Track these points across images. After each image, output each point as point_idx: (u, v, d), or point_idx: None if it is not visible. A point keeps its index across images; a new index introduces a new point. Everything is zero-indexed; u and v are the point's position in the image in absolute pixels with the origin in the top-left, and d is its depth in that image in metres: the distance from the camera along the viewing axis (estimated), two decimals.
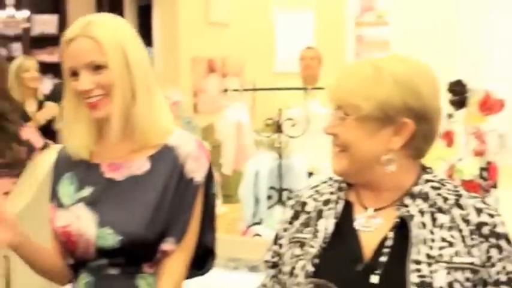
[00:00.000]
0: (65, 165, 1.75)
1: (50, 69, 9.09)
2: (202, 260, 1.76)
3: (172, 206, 1.63)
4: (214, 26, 7.19)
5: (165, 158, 1.66)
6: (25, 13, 9.44)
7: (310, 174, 3.11)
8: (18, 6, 9.38)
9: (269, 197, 2.92)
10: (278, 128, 2.92)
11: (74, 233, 1.65)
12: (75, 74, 1.63)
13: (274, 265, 1.77)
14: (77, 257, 1.69)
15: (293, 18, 7.67)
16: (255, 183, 2.84)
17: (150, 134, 1.66)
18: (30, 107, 4.85)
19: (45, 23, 10.07)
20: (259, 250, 2.76)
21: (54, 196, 1.75)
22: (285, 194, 2.94)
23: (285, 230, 1.69)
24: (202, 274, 1.77)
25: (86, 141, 1.71)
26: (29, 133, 2.37)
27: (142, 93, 1.65)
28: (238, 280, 2.56)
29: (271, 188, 2.93)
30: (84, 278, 1.68)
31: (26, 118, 4.67)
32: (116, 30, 1.64)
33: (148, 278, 1.65)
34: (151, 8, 7.64)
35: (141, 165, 1.67)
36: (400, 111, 1.48)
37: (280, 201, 2.94)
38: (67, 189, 1.72)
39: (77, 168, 1.73)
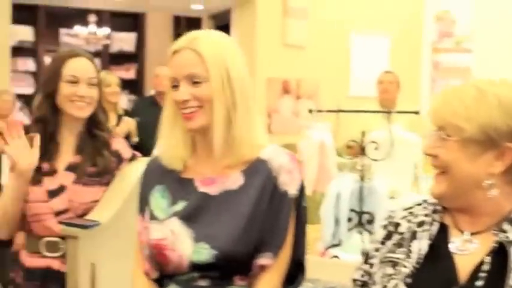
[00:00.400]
0: (155, 176, 1.77)
1: (126, 85, 9.32)
2: (293, 275, 1.75)
3: (267, 220, 1.63)
4: (291, 48, 7.24)
5: (258, 172, 1.66)
6: (105, 30, 9.73)
7: (391, 198, 3.08)
8: (99, 23, 9.68)
9: (349, 220, 2.90)
10: (361, 151, 2.90)
11: (169, 247, 1.66)
12: (175, 84, 1.67)
13: (364, 284, 1.75)
14: (167, 270, 1.70)
15: (369, 43, 7.65)
16: (336, 204, 2.83)
17: (247, 149, 1.67)
18: (111, 121, 4.97)
19: (124, 41, 10.36)
20: (338, 272, 2.76)
21: (144, 207, 1.76)
22: (365, 217, 2.91)
23: (377, 249, 1.68)
24: None
25: (181, 153, 1.74)
26: (119, 144, 2.42)
27: (241, 109, 1.66)
28: None
29: (352, 210, 2.90)
30: None
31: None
32: (220, 46, 1.67)
33: None
34: (229, 29, 7.76)
35: (235, 180, 1.68)
36: (503, 135, 1.46)
37: (360, 224, 2.91)
38: (160, 202, 1.73)
39: (168, 181, 1.74)
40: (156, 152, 1.81)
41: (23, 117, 6.85)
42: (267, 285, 1.65)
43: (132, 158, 2.42)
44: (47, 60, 9.99)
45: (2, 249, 4.26)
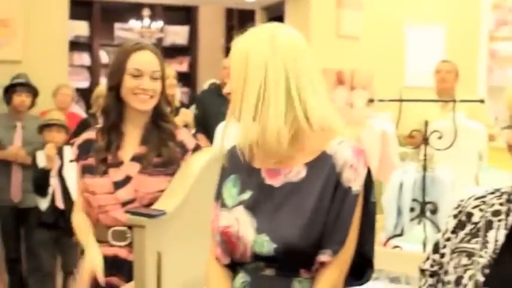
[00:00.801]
0: (231, 167, 1.78)
1: (179, 78, 9.39)
2: (361, 270, 1.73)
3: (329, 216, 1.61)
4: (345, 38, 7.18)
5: (322, 166, 1.64)
6: (159, 24, 9.83)
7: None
8: (153, 17, 9.78)
9: (411, 210, 2.87)
10: (424, 140, 2.86)
11: (234, 235, 1.67)
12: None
13: (434, 274, 1.73)
14: (235, 258, 1.71)
15: (425, 33, 7.53)
16: (398, 194, 2.80)
17: (314, 139, 1.66)
18: None
19: (177, 34, 10.45)
20: (401, 262, 2.73)
21: (219, 196, 1.78)
22: (428, 207, 2.86)
23: (448, 239, 1.66)
24: (360, 284, 1.73)
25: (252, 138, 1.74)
26: (183, 134, 2.45)
27: (310, 100, 1.66)
28: None
29: (414, 200, 2.86)
30: (242, 278, 1.70)
31: None
32: (296, 38, 1.74)
33: (304, 282, 1.64)
34: (283, 20, 7.74)
35: (298, 172, 1.66)
36: None
37: (422, 214, 2.87)
38: (231, 190, 1.75)
39: (240, 171, 1.76)
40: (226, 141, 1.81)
41: (79, 111, 6.96)
42: (326, 282, 1.62)
43: (196, 148, 2.44)
44: (102, 54, 10.15)
45: (65, 238, 4.38)
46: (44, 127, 4.48)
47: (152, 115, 2.39)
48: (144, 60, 2.34)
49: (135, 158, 2.37)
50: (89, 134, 2.47)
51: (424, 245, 2.86)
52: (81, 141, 2.47)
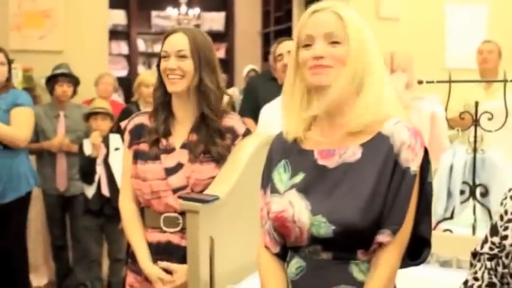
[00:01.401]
0: (279, 152, 1.78)
1: None
2: (417, 251, 1.72)
3: (388, 197, 1.60)
4: (385, 20, 7.10)
5: (379, 147, 1.63)
6: (196, 11, 9.86)
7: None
8: (190, 4, 9.81)
9: (461, 192, 2.83)
10: (474, 122, 2.82)
11: (289, 219, 1.67)
12: (308, 43, 1.67)
13: (493, 257, 1.71)
14: (290, 242, 1.71)
15: (466, 13, 7.40)
16: (449, 177, 2.76)
17: (372, 119, 1.65)
18: None
19: (214, 20, 10.48)
20: (451, 245, 2.70)
21: (267, 184, 1.77)
22: (478, 190, 2.83)
23: (509, 220, 1.64)
24: (417, 264, 1.71)
25: (302, 120, 1.74)
26: (232, 120, 2.44)
27: (371, 78, 1.65)
28: (430, 274, 2.51)
29: (464, 182, 2.83)
30: (297, 263, 1.69)
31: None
32: (357, 16, 1.69)
33: (361, 264, 1.63)
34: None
35: (353, 152, 1.65)
36: None
37: (473, 196, 2.83)
38: (282, 176, 1.74)
39: (290, 155, 1.75)
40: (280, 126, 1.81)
41: (118, 99, 7.03)
42: (385, 262, 1.61)
43: (246, 133, 2.44)
44: (140, 42, 10.23)
45: (111, 226, 4.43)
46: (89, 115, 4.54)
47: (199, 103, 2.38)
48: (171, 42, 2.34)
49: (185, 146, 2.37)
50: (140, 119, 2.46)
51: (474, 228, 2.83)
52: (132, 126, 2.46)
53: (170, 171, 2.35)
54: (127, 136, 2.46)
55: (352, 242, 1.62)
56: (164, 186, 2.34)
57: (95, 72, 5.85)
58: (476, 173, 2.80)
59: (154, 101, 2.45)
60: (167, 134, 2.39)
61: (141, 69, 10.10)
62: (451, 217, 2.83)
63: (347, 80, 1.64)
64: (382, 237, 1.60)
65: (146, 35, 10.36)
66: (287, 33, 9.16)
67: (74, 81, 4.90)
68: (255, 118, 5.19)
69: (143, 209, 2.46)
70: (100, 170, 4.41)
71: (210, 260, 2.28)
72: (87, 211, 4.48)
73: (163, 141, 2.38)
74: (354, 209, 1.59)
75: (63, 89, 4.81)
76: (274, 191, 1.73)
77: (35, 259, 4.98)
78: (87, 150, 4.46)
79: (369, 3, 7.04)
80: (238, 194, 2.33)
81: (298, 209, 1.66)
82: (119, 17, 9.97)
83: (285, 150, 1.77)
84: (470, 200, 2.84)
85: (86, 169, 4.43)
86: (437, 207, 2.78)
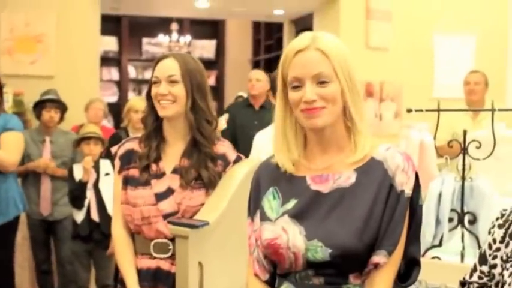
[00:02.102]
0: (267, 179, 1.78)
1: None
2: (407, 272, 1.73)
3: (383, 219, 1.62)
4: (374, 50, 7.18)
5: (373, 171, 1.66)
6: (187, 38, 9.92)
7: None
8: (181, 31, 9.87)
9: (450, 220, 2.85)
10: (462, 150, 2.84)
11: (283, 245, 1.67)
12: (297, 85, 1.66)
13: (482, 286, 1.72)
14: (284, 268, 1.71)
15: (454, 43, 7.50)
16: (437, 204, 2.78)
17: (365, 145, 1.67)
18: None
19: (204, 48, 10.54)
20: (439, 273, 2.71)
21: (255, 210, 1.77)
22: (466, 217, 2.84)
23: (498, 249, 1.65)
24: (409, 285, 1.73)
25: (293, 153, 1.75)
26: (223, 147, 2.45)
27: (357, 106, 1.67)
28: None
29: (452, 210, 2.84)
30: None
31: None
32: (339, 44, 1.69)
33: None
34: None
35: (348, 177, 1.67)
36: None
37: (461, 223, 2.85)
38: (272, 203, 1.74)
39: (279, 182, 1.75)
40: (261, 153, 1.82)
41: (108, 124, 7.04)
42: (381, 283, 1.63)
43: (237, 160, 2.45)
44: (130, 69, 10.27)
45: (99, 251, 4.41)
46: (81, 140, 4.54)
47: (191, 128, 2.39)
48: (162, 67, 2.36)
49: (176, 171, 2.38)
50: (130, 145, 2.46)
51: (462, 255, 2.84)
52: (122, 151, 2.46)
53: (161, 197, 2.34)
54: (117, 162, 2.46)
55: (347, 265, 1.63)
56: (155, 212, 2.33)
57: (85, 97, 5.86)
58: (464, 201, 2.82)
59: (145, 127, 2.46)
60: (158, 159, 2.40)
61: (131, 95, 10.12)
62: (440, 244, 2.85)
63: (342, 116, 1.66)
64: (378, 258, 1.62)
65: (137, 62, 10.41)
66: (277, 61, 9.23)
67: (62, 107, 4.91)
68: (234, 145, 5.20)
69: (134, 235, 2.45)
70: (90, 194, 4.40)
71: (199, 285, 2.27)
72: (76, 236, 4.46)
73: (154, 166, 2.38)
74: (350, 232, 1.61)
75: (50, 114, 4.82)
76: (265, 218, 1.73)
77: (21, 284, 4.93)
78: (78, 175, 4.45)
79: (358, 33, 7.12)
80: (228, 220, 2.33)
81: (292, 235, 1.66)
82: (110, 43, 10.02)
83: (273, 178, 1.77)
84: (459, 227, 2.85)
85: (76, 194, 4.41)
86: (426, 235, 2.80)
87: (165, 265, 2.34)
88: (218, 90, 10.54)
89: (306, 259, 1.64)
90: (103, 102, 5.85)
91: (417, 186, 1.69)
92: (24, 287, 4.98)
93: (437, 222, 2.81)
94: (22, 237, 4.92)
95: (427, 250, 2.85)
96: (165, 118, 2.39)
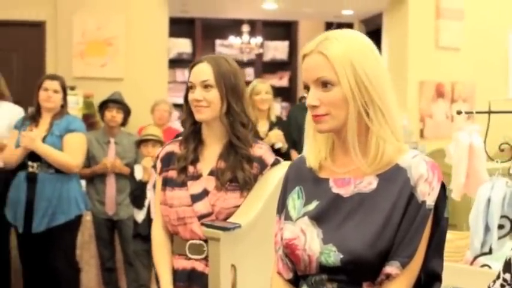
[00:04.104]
0: (295, 179, 1.77)
1: (279, 93, 9.47)
2: (426, 286, 1.67)
3: (400, 229, 1.56)
4: (445, 50, 7.01)
5: (395, 179, 1.60)
6: (259, 40, 9.95)
7: None
8: (252, 33, 9.92)
9: (501, 227, 2.73)
10: None
11: (300, 247, 1.65)
12: (307, 88, 1.65)
13: None
14: (300, 270, 1.70)
15: None
16: (486, 210, 2.68)
17: (386, 151, 1.62)
18: (262, 127, 5.06)
19: (277, 49, 10.55)
20: (487, 281, 2.61)
21: (282, 209, 1.77)
22: None
23: None
24: None
25: (321, 152, 1.73)
26: (261, 150, 2.45)
27: (378, 109, 1.62)
28: None
29: (503, 216, 2.73)
30: None
31: (257, 137, 4.90)
32: (348, 45, 1.61)
33: None
34: (381, 33, 7.65)
35: (369, 182, 1.63)
36: None
37: None
38: (296, 202, 1.73)
39: (305, 182, 1.74)
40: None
41: (178, 126, 7.15)
42: None
43: (275, 163, 2.44)
44: None
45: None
46: (141, 142, 4.64)
47: (227, 130, 2.41)
48: (195, 73, 2.38)
49: (213, 173, 2.40)
50: (171, 147, 2.51)
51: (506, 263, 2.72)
52: (163, 154, 2.51)
53: (196, 198, 2.37)
54: (158, 164, 2.51)
55: (359, 272, 1.59)
56: (190, 213, 2.36)
57: (154, 99, 5.96)
58: None
59: (184, 130, 2.50)
60: (195, 160, 2.42)
61: None
62: (490, 252, 2.74)
63: (355, 119, 1.61)
64: (391, 269, 1.57)
65: None
66: None
67: (124, 108, 5.03)
68: (295, 147, 5.18)
69: (173, 236, 2.48)
70: (150, 195, 4.49)
71: (232, 287, 2.27)
72: (137, 235, 4.56)
73: (191, 168, 2.41)
74: (363, 239, 1.57)
75: (112, 114, 4.95)
76: (288, 217, 1.72)
77: (88, 281, 5.09)
78: (138, 174, 4.54)
79: (428, 32, 6.98)
80: (263, 223, 2.32)
81: (309, 237, 1.65)
82: (184, 45, 10.17)
83: (300, 177, 1.76)
84: (510, 235, 2.74)
85: (137, 193, 4.51)
86: (474, 242, 2.70)
87: (200, 266, 2.37)
88: (291, 91, 10.52)
89: (320, 263, 1.62)
90: (168, 104, 5.94)
91: (442, 198, 1.62)
92: (91, 284, 5.13)
93: (486, 229, 2.70)
94: (89, 236, 5.08)
95: (475, 258, 2.75)
96: (202, 121, 2.41)
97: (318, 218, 1.65)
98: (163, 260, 2.44)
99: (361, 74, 1.59)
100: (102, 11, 6.45)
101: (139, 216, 4.53)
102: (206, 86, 2.36)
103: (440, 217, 1.62)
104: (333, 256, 1.59)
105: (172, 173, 2.44)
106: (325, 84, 1.60)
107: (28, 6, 6.49)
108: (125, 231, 4.86)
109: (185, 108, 2.47)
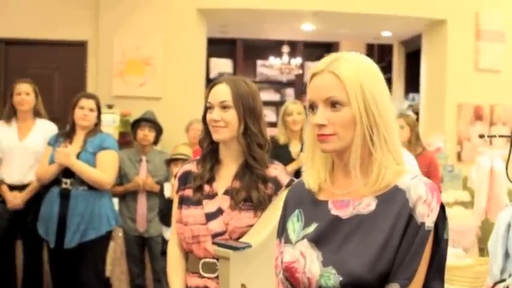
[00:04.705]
0: (294, 202, 1.77)
1: None
2: None
3: (400, 250, 1.56)
4: (484, 72, 6.92)
5: (394, 200, 1.60)
6: (298, 60, 9.98)
7: None
8: (293, 53, 9.96)
9: None
10: None
11: (300, 270, 1.65)
12: (313, 107, 1.65)
13: None
14: None
15: None
16: (506, 236, 2.63)
17: (386, 173, 1.63)
18: (295, 147, 5.06)
19: None
20: None
21: (282, 233, 1.77)
22: None
23: None
24: None
25: (320, 174, 1.73)
26: (276, 170, 2.47)
27: (381, 132, 1.63)
28: None
29: None
30: None
31: (288, 158, 4.89)
32: (359, 67, 1.62)
33: None
34: (420, 55, 7.60)
35: (368, 204, 1.62)
36: None
37: None
38: (295, 225, 1.73)
39: (304, 205, 1.74)
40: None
41: None
42: None
43: (290, 184, 2.45)
44: None
45: None
46: (171, 161, 4.70)
47: (244, 151, 2.43)
48: (214, 93, 2.41)
49: (228, 192, 2.42)
50: (189, 166, 2.54)
51: None
52: (181, 173, 2.54)
53: (210, 217, 2.39)
54: (176, 182, 2.54)
55: None
56: (204, 231, 2.38)
57: (190, 118, 6.03)
58: None
59: (202, 149, 2.52)
60: (211, 180, 2.45)
61: None
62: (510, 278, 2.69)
63: (360, 142, 1.62)
64: None
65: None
66: (388, 83, 9.10)
67: (156, 127, 5.10)
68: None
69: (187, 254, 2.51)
70: None
71: None
72: (165, 252, 4.59)
73: (207, 187, 2.44)
74: (362, 261, 1.57)
75: (144, 133, 5.02)
76: (287, 241, 1.73)
77: None
78: (167, 192, 4.60)
79: (467, 54, 6.90)
80: (273, 243, 2.32)
81: (309, 260, 1.65)
82: (226, 65, 10.27)
83: (300, 200, 1.76)
84: None
85: (165, 211, 4.55)
86: (494, 268, 2.65)
87: (212, 284, 2.38)
88: None
89: (320, 286, 1.61)
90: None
91: (442, 219, 1.61)
92: None
93: (506, 255, 2.66)
94: (121, 253, 5.15)
95: (495, 284, 2.71)
96: (219, 141, 2.44)
97: (317, 241, 1.65)
98: (177, 278, 2.47)
99: (369, 98, 1.60)
100: (141, 31, 6.58)
101: (168, 233, 4.57)
102: (224, 107, 2.39)
103: (440, 239, 1.61)
104: (333, 279, 1.58)
105: (188, 192, 2.47)
106: (334, 104, 1.60)
107: (71, 26, 6.67)
108: (154, 248, 4.92)
109: (203, 128, 2.50)
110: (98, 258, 4.41)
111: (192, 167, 2.53)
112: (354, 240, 1.60)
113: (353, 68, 1.62)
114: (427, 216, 1.57)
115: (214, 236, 2.37)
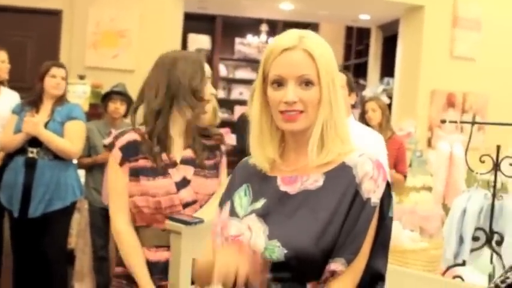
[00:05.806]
0: (243, 175, 1.78)
1: None
2: (370, 286, 1.67)
3: (345, 226, 1.57)
4: (459, 60, 6.94)
5: (341, 176, 1.61)
6: None
7: None
8: (271, 33, 9.92)
9: (475, 239, 2.71)
10: (495, 166, 2.71)
11: (245, 243, 1.67)
12: (279, 83, 1.63)
13: None
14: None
15: None
16: (461, 221, 2.65)
17: (337, 150, 1.64)
18: None
19: None
20: None
21: (226, 201, 1.76)
22: (495, 237, 2.70)
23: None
24: None
25: (268, 152, 1.73)
26: (231, 139, 2.49)
27: (337, 111, 1.63)
28: None
29: (478, 228, 2.71)
30: None
31: None
32: (326, 48, 1.64)
33: None
34: (397, 39, 7.61)
35: (315, 180, 1.64)
36: None
37: (488, 243, 2.71)
38: (243, 200, 1.74)
39: (252, 180, 1.74)
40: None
41: None
42: None
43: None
44: (221, 68, 10.43)
45: None
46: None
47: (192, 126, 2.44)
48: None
49: (185, 161, 2.40)
50: (131, 136, 2.41)
51: (490, 277, 2.70)
52: (124, 142, 2.39)
53: (179, 186, 2.36)
54: (117, 153, 2.39)
55: (303, 269, 1.59)
56: (177, 201, 2.34)
57: None
58: (493, 220, 2.68)
59: (159, 122, 2.44)
60: (168, 150, 2.40)
61: (220, 93, 10.27)
62: (463, 264, 2.72)
63: (323, 122, 1.62)
64: (335, 265, 1.57)
65: (229, 61, 10.54)
66: (364, 66, 9.12)
67: (128, 100, 5.06)
68: None
69: (137, 229, 2.40)
70: None
71: (192, 281, 2.28)
72: None
73: (165, 156, 2.38)
74: (308, 235, 1.58)
75: (116, 105, 4.97)
76: (234, 214, 1.72)
77: (81, 268, 5.13)
78: None
79: (443, 41, 6.92)
80: None
81: (255, 234, 1.65)
82: (204, 42, 10.21)
83: (248, 175, 1.76)
84: (484, 247, 2.72)
85: None
86: (447, 252, 2.68)
87: None
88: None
89: (264, 259, 1.62)
90: None
91: (387, 197, 1.62)
92: (84, 271, 5.17)
93: (461, 240, 2.68)
94: (85, 224, 5.12)
95: (448, 269, 2.73)
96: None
97: (265, 215, 1.66)
98: (139, 255, 2.36)
99: (334, 76, 1.62)
100: (117, 2, 6.51)
101: None
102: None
103: (385, 216, 1.63)
104: (277, 251, 1.59)
105: (143, 162, 2.36)
106: (306, 83, 1.60)
107: None
108: None
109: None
110: (61, 229, 4.39)
111: (135, 136, 2.40)
112: (301, 215, 1.61)
113: (323, 48, 1.63)
114: (373, 192, 1.59)
115: (185, 205, 2.35)
